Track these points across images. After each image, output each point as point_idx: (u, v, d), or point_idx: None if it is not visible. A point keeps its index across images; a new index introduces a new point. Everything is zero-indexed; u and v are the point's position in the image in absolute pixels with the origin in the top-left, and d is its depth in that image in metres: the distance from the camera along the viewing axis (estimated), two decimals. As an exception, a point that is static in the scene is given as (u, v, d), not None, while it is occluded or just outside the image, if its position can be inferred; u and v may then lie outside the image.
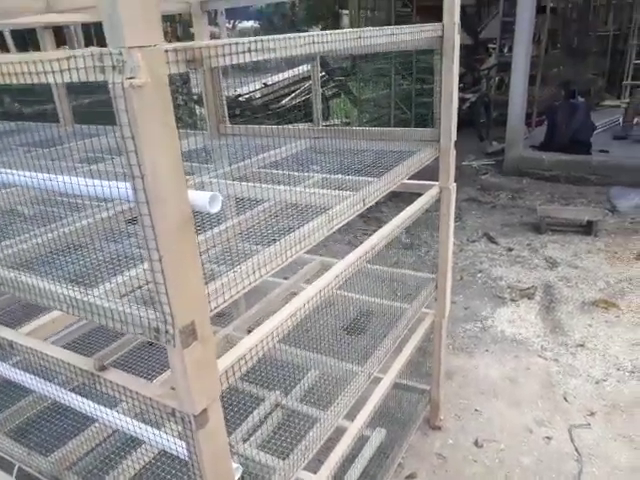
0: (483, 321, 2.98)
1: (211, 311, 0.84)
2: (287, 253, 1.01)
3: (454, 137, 1.69)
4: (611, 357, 2.62)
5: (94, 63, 0.63)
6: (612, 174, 5.04)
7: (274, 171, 1.86)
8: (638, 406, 2.29)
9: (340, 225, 1.17)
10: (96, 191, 0.83)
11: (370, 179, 1.61)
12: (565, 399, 2.37)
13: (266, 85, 7.70)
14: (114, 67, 0.61)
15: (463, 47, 6.75)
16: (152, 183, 0.66)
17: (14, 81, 0.72)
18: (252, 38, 0.86)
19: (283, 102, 8.19)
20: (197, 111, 5.49)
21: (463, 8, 6.62)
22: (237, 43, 0.81)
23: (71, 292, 0.88)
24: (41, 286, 0.92)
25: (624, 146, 5.63)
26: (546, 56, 7.28)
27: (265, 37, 0.88)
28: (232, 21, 15.21)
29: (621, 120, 6.26)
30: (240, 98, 7.22)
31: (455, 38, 1.53)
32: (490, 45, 7.40)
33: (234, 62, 0.82)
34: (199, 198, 0.71)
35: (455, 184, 1.83)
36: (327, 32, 1.05)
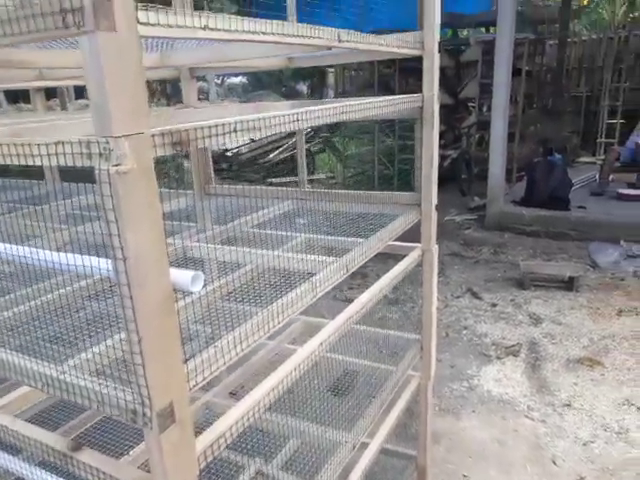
0: (469, 380, 2.95)
1: (190, 390, 0.82)
2: (269, 324, 1.00)
3: (435, 201, 1.73)
4: (598, 417, 2.60)
5: (81, 150, 0.64)
6: (590, 230, 5.17)
7: (261, 231, 1.87)
8: (626, 469, 2.25)
9: (324, 292, 1.17)
10: (77, 268, 0.82)
11: (355, 239, 1.63)
12: (554, 462, 2.32)
13: (253, 140, 7.87)
14: (101, 154, 0.63)
15: (444, 106, 7.00)
16: (134, 266, 0.66)
17: (3, 162, 0.73)
18: (238, 118, 0.88)
19: (270, 157, 8.36)
20: (185, 166, 5.56)
21: (443, 70, 6.93)
22: (223, 124, 0.84)
23: (41, 368, 0.85)
24: (9, 360, 0.90)
25: (601, 202, 5.80)
26: (523, 115, 7.61)
27: (252, 116, 0.92)
28: (221, 77, 15.70)
29: (597, 177, 6.48)
30: (228, 153, 7.36)
31: (434, 108, 1.60)
32: (470, 104, 7.70)
33: (220, 142, 0.84)
34: (181, 277, 0.72)
35: (437, 246, 1.85)
36: (312, 108, 1.09)
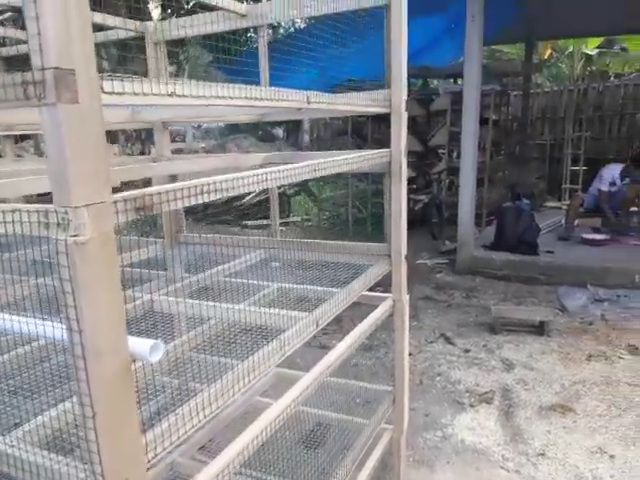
0: (443, 429, 2.91)
1: (148, 462, 0.78)
2: (234, 388, 0.97)
3: (404, 252, 1.76)
4: (571, 467, 2.58)
5: (39, 219, 0.63)
6: (559, 274, 5.28)
7: (234, 280, 1.85)
8: (603, 523, 2.23)
9: (293, 350, 1.16)
10: (29, 330, 0.79)
11: (327, 289, 1.63)
12: (530, 516, 2.27)
13: (228, 183, 7.90)
14: (59, 224, 0.62)
15: (415, 153, 7.18)
16: (90, 338, 0.64)
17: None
18: (204, 180, 0.89)
19: (246, 200, 8.40)
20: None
21: (414, 118, 7.11)
22: (189, 187, 0.84)
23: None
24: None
25: (568, 247, 5.96)
26: (492, 162, 7.87)
27: (218, 177, 0.92)
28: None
29: (563, 222, 6.68)
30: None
31: (402, 163, 1.64)
32: (440, 151, 7.93)
33: (186, 205, 0.84)
34: (139, 347, 0.69)
35: (408, 296, 1.86)
36: (283, 167, 1.10)
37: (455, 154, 7.72)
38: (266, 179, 1.00)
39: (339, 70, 7.11)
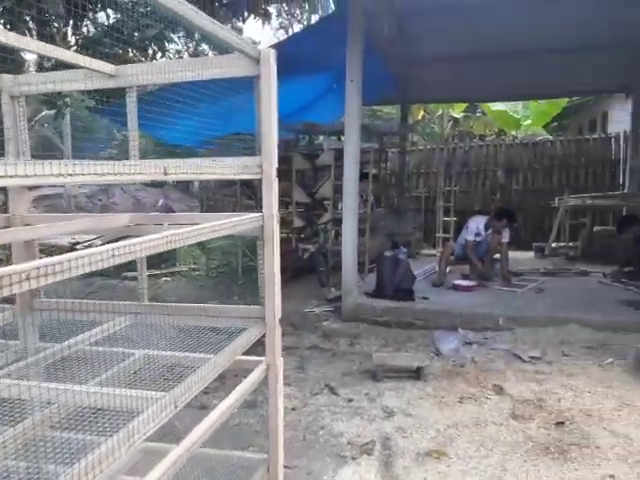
0: (326, 486, 2.89)
1: None
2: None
3: (279, 314, 1.77)
4: (446, 512, 2.68)
5: None
6: (433, 319, 5.65)
7: (94, 348, 1.72)
8: None
9: (146, 437, 1.09)
10: None
11: (197, 355, 1.57)
12: None
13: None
14: None
15: (304, 204, 7.35)
16: None
17: None
18: (42, 262, 0.83)
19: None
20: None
21: (303, 172, 7.32)
22: (15, 272, 0.78)
23: None
24: None
25: (441, 293, 6.43)
26: (373, 213, 8.34)
27: (58, 259, 0.87)
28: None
29: (437, 268, 7.21)
30: (78, 246, 6.87)
31: (274, 228, 1.68)
32: (326, 202, 8.25)
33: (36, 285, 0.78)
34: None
35: (282, 359, 1.86)
36: (139, 240, 1.07)
37: (340, 206, 8.09)
38: (114, 254, 0.96)
39: (226, 122, 7.21)
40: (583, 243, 8.92)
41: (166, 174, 1.12)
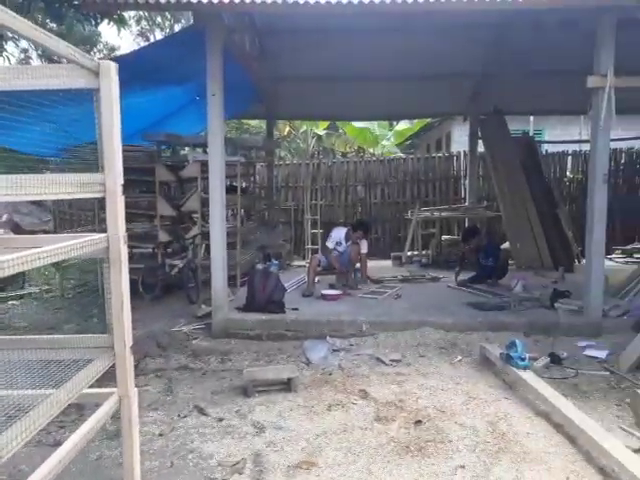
0: (195, 514, 2.77)
1: None
2: None
3: (129, 342, 1.66)
4: (316, 521, 2.72)
5: None
6: (304, 329, 5.77)
7: None
8: None
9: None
10: None
11: (36, 392, 1.42)
12: None
13: None
14: None
15: (170, 218, 7.07)
16: None
17: None
18: None
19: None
20: None
21: (168, 184, 7.05)
22: None
23: None
24: None
25: (310, 303, 6.60)
26: (243, 226, 8.30)
27: None
28: None
29: (306, 279, 7.39)
30: None
31: (121, 249, 1.58)
32: (194, 215, 8.02)
33: None
34: None
35: (136, 389, 1.75)
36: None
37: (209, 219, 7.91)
38: None
39: (83, 130, 6.68)
40: (433, 251, 9.81)
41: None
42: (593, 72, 5.35)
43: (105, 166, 1.51)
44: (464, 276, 7.69)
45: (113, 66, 1.45)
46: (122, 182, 1.57)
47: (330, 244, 7.35)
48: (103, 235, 1.55)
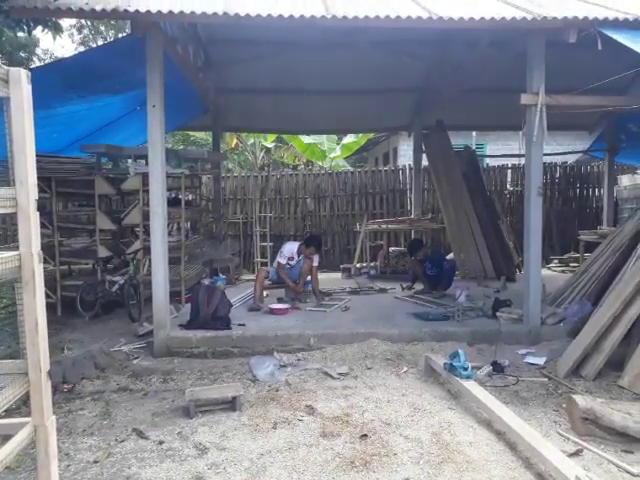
0: None
1: None
2: None
3: (46, 367, 1.54)
4: None
5: None
6: (250, 345, 5.65)
7: None
8: None
9: None
10: None
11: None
12: None
13: None
14: None
15: (109, 232, 6.80)
16: None
17: None
18: None
19: None
20: None
21: (109, 197, 6.77)
22: None
23: None
24: None
25: (257, 318, 6.48)
26: (188, 240, 8.10)
27: None
28: None
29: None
30: None
31: (35, 268, 1.46)
32: (136, 229, 7.76)
33: None
34: None
35: (54, 417, 1.62)
36: None
37: (151, 233, 7.66)
38: None
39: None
40: (381, 263, 9.93)
41: None
42: (526, 90, 5.60)
43: (17, 180, 1.40)
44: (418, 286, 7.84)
45: (24, 73, 1.35)
46: (36, 197, 1.46)
47: (282, 259, 7.27)
48: (14, 253, 1.44)
